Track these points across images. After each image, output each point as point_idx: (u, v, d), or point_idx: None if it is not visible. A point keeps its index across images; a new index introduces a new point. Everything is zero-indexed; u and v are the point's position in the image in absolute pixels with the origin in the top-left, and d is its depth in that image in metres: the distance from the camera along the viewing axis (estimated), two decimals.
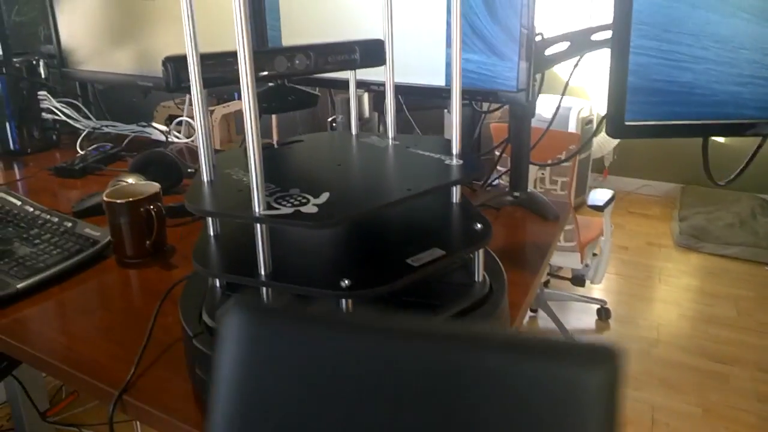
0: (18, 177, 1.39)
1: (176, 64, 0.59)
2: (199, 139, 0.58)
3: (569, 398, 0.23)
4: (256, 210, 0.50)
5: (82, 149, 1.48)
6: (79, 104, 1.64)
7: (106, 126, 1.62)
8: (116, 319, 0.79)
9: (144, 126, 1.61)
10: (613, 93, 0.68)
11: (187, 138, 1.61)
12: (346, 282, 0.49)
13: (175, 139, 1.57)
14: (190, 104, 1.73)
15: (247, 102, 0.48)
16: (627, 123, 0.69)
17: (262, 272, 0.52)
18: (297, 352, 0.26)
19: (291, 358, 0.26)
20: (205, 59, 0.58)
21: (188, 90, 0.58)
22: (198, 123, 0.58)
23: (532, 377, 0.23)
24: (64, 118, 1.58)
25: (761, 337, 2.28)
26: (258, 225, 0.51)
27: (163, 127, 1.59)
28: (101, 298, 0.85)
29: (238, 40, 0.47)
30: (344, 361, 0.25)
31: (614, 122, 0.69)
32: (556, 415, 0.23)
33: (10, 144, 1.50)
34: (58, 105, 1.57)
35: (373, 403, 0.25)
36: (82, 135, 1.55)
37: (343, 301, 0.49)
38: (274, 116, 3.01)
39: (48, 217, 1.02)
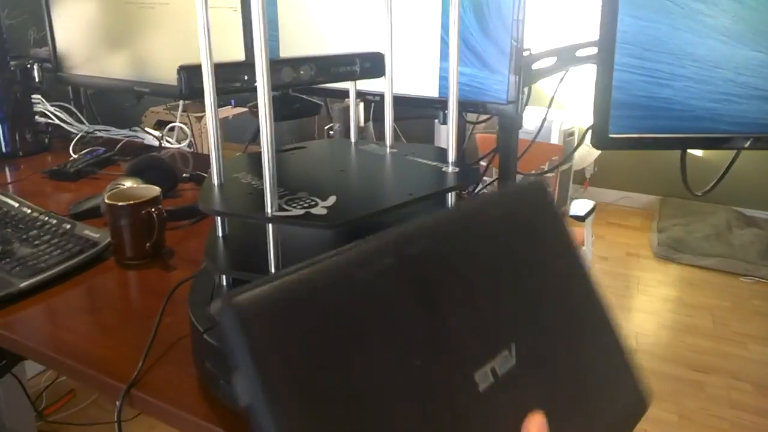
0: (10, 180, 1.40)
1: (189, 72, 0.62)
2: (212, 144, 0.61)
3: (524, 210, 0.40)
4: (269, 211, 0.53)
5: (74, 153, 1.49)
6: (72, 108, 1.65)
7: (99, 130, 1.64)
8: (119, 318, 0.81)
9: (136, 131, 1.63)
10: (598, 107, 0.73)
11: (179, 143, 1.63)
12: None
13: (168, 145, 1.59)
14: (184, 111, 1.75)
15: (263, 108, 0.51)
16: (611, 135, 0.73)
17: (273, 270, 0.55)
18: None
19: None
20: (219, 68, 0.61)
21: (201, 97, 0.61)
22: (210, 129, 0.61)
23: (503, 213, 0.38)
24: (57, 121, 1.60)
25: (736, 347, 2.35)
26: (270, 225, 0.54)
27: (157, 133, 1.61)
28: (103, 298, 0.87)
29: (256, 50, 0.50)
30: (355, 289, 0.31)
31: (599, 134, 0.74)
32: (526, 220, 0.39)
33: (3, 147, 1.51)
34: (51, 108, 1.58)
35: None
36: (75, 139, 1.56)
37: None
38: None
39: (46, 218, 1.04)
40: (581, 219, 2.20)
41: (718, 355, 2.29)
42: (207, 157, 1.87)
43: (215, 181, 0.62)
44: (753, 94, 0.73)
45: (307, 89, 1.01)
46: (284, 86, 0.71)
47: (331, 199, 0.56)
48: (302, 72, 0.72)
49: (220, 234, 0.64)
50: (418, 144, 0.78)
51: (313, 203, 0.55)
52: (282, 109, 0.73)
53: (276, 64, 0.69)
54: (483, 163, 1.32)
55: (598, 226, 3.48)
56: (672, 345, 2.37)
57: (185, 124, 1.71)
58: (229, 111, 2.26)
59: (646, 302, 2.70)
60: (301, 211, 0.53)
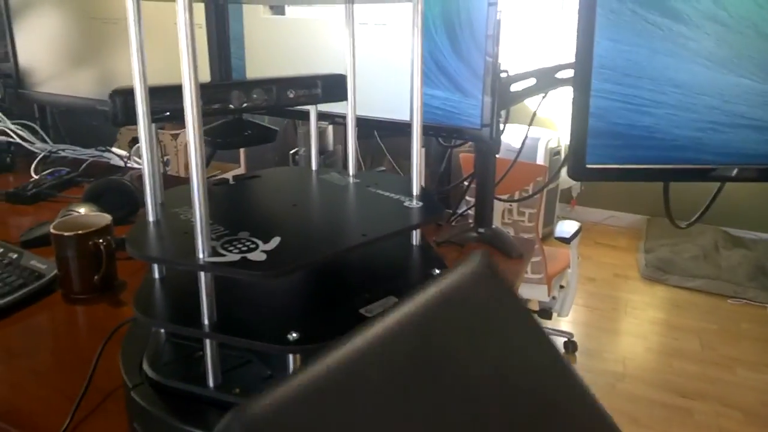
0: None
1: (124, 97, 0.56)
2: (145, 177, 0.55)
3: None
4: (200, 256, 0.47)
5: (36, 173, 1.42)
6: (36, 126, 1.58)
7: (64, 150, 1.57)
8: (57, 362, 0.74)
9: (103, 150, 1.56)
10: (574, 135, 0.68)
11: None
12: (294, 335, 0.46)
13: (135, 165, 1.53)
14: (160, 127, 1.69)
15: (192, 139, 0.46)
16: (588, 166, 0.68)
17: (206, 322, 0.49)
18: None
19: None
20: (154, 92, 0.55)
21: (136, 124, 0.55)
22: (144, 160, 0.55)
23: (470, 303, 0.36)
24: (18, 140, 1.53)
25: (724, 371, 2.30)
26: (201, 273, 0.48)
27: (122, 152, 1.55)
28: (43, 338, 0.80)
29: (183, 72, 0.45)
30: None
31: (575, 164, 0.68)
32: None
33: None
34: (12, 127, 1.51)
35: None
36: (38, 159, 1.49)
37: (290, 356, 0.46)
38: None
39: None
40: (567, 241, 2.16)
41: (706, 380, 2.24)
42: (178, 179, 1.80)
43: (150, 218, 0.56)
44: (739, 123, 0.68)
45: (270, 109, 0.95)
46: (234, 111, 0.65)
47: (275, 241, 0.50)
48: (255, 96, 0.66)
49: (157, 276, 0.58)
50: (383, 174, 0.72)
51: (253, 246, 0.49)
52: (232, 135, 0.67)
53: (223, 87, 0.63)
54: (466, 183, 1.26)
55: (585, 246, 3.44)
56: (660, 370, 2.31)
57: (160, 142, 1.65)
58: None
59: (634, 325, 2.65)
60: (237, 257, 0.47)
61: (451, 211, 1.22)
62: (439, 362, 0.33)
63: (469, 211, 1.27)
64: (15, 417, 0.63)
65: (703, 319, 2.69)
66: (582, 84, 0.66)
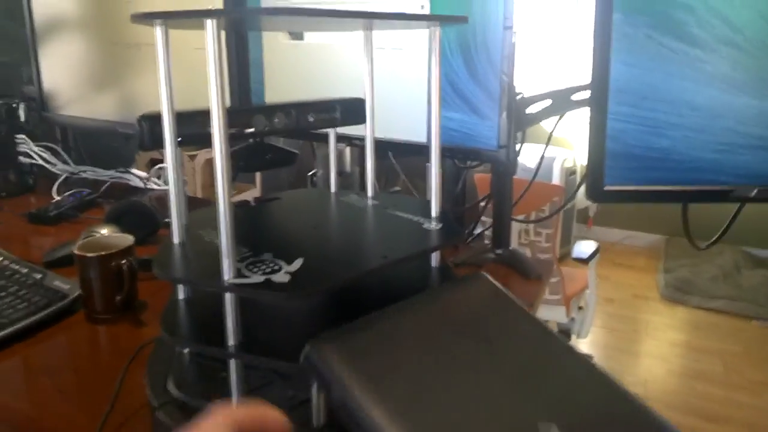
0: None
1: (151, 122, 0.58)
2: (171, 200, 0.57)
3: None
4: (225, 278, 0.48)
5: (58, 194, 1.45)
6: (58, 149, 1.62)
7: (84, 171, 1.60)
8: (81, 381, 0.75)
9: (123, 172, 1.59)
10: (592, 157, 0.68)
11: (167, 185, 1.59)
12: None
13: (155, 186, 1.55)
14: None
15: (219, 161, 0.47)
16: (606, 188, 0.68)
17: (231, 343, 0.50)
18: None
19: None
20: (180, 117, 0.57)
21: (162, 147, 0.57)
22: (171, 183, 0.57)
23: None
24: (41, 162, 1.56)
25: (750, 395, 2.25)
26: (227, 294, 0.49)
27: (143, 173, 1.58)
28: (67, 357, 0.81)
29: (211, 99, 0.46)
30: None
31: (594, 187, 0.69)
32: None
33: None
34: (36, 149, 1.55)
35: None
36: (59, 180, 1.53)
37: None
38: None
39: (17, 267, 0.99)
40: (585, 261, 2.14)
41: (731, 404, 2.19)
42: (196, 200, 1.83)
43: (175, 240, 0.57)
44: (757, 144, 0.68)
45: (290, 132, 0.97)
46: (257, 135, 0.67)
47: (297, 263, 0.51)
48: (276, 120, 0.67)
49: (182, 296, 0.59)
50: (401, 196, 0.73)
51: (276, 268, 0.50)
52: (253, 158, 0.69)
53: (246, 112, 0.65)
54: (482, 204, 1.27)
55: (603, 266, 3.41)
56: (682, 392, 2.27)
57: None
58: None
59: (654, 347, 2.61)
60: (261, 278, 0.48)
61: (467, 232, 1.22)
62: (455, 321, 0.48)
63: (486, 232, 1.27)
64: None
65: (725, 341, 2.64)
66: (599, 107, 0.67)
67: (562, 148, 3.40)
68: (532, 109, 1.01)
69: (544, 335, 0.49)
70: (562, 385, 0.44)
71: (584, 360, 0.48)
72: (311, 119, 0.72)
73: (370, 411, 0.39)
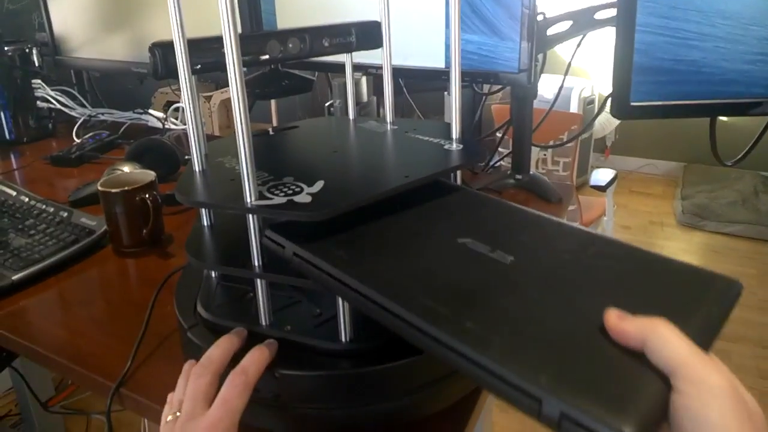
0: (14, 167, 1.37)
1: (164, 50, 0.57)
2: (190, 128, 0.57)
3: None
4: (248, 200, 0.48)
5: (78, 137, 1.46)
6: (75, 92, 1.62)
7: (102, 114, 1.60)
8: (114, 310, 0.78)
9: (140, 113, 1.59)
10: (618, 73, 0.66)
11: (185, 124, 1.59)
12: None
13: (173, 126, 1.55)
14: None
15: (234, 89, 0.46)
16: (633, 104, 0.67)
17: (256, 263, 0.51)
18: None
19: None
20: (193, 45, 0.56)
21: (177, 76, 0.56)
22: (188, 111, 0.57)
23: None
24: (59, 106, 1.56)
25: (762, 315, 2.27)
26: (250, 215, 0.49)
27: (160, 114, 1.57)
28: (98, 289, 0.84)
29: (223, 23, 0.45)
30: None
31: (620, 103, 0.67)
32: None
33: (6, 133, 1.49)
34: (52, 93, 1.55)
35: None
36: (78, 123, 1.53)
37: None
38: (273, 101, 2.96)
39: (44, 207, 1.01)
40: (602, 189, 2.12)
41: (744, 323, 2.22)
42: (213, 138, 1.83)
43: (196, 168, 0.57)
44: None
45: (305, 63, 0.95)
46: (271, 61, 0.65)
47: (318, 185, 0.51)
48: (290, 45, 0.66)
49: (206, 223, 0.59)
50: (422, 120, 0.72)
51: (298, 189, 0.50)
52: (269, 86, 0.68)
53: (260, 38, 0.63)
54: (499, 135, 1.25)
55: (620, 195, 3.38)
56: None
57: None
58: None
59: None
60: (283, 199, 0.48)
61: (484, 163, 1.21)
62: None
63: (502, 162, 1.26)
64: (81, 359, 0.67)
65: (741, 264, 2.64)
66: (626, 19, 0.64)
67: (579, 77, 3.31)
68: (553, 30, 0.97)
69: (543, 218, 0.51)
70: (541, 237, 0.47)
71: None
72: (326, 44, 0.70)
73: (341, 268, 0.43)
